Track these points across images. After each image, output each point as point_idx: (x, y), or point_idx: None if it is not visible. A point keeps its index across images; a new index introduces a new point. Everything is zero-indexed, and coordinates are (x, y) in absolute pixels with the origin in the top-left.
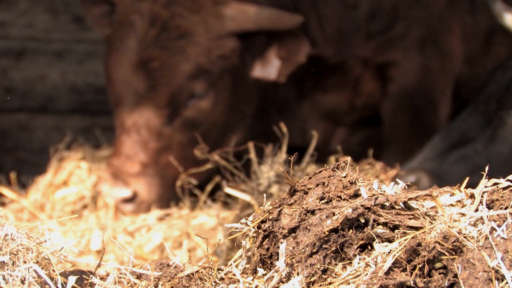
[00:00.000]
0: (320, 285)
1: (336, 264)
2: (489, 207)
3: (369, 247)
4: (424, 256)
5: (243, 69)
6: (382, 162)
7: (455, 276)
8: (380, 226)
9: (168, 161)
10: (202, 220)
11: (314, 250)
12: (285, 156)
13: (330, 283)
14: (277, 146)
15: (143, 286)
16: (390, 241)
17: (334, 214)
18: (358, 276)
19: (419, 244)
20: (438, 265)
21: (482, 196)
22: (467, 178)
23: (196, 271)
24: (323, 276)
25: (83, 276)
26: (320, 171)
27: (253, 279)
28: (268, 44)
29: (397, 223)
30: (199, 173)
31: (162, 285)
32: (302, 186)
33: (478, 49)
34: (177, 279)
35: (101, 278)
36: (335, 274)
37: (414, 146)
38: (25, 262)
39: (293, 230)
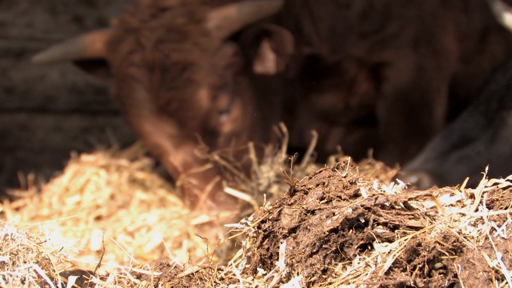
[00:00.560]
0: (320, 285)
1: (336, 264)
2: (489, 207)
3: (369, 247)
4: (424, 256)
5: (250, 67)
6: (382, 162)
7: (455, 276)
8: (380, 226)
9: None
10: (202, 220)
11: (314, 250)
12: (285, 156)
13: (330, 283)
14: (277, 146)
15: (143, 286)
16: (390, 241)
17: (334, 214)
18: (358, 276)
19: (419, 244)
20: (438, 265)
21: (482, 196)
22: (467, 178)
23: (196, 271)
24: (323, 276)
25: (83, 276)
26: (320, 171)
27: (253, 279)
28: (260, 40)
29: (397, 223)
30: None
31: (162, 285)
32: (302, 186)
33: (473, 48)
34: (177, 279)
35: (101, 278)
36: (335, 274)
37: (409, 145)
38: (25, 262)
39: (293, 230)
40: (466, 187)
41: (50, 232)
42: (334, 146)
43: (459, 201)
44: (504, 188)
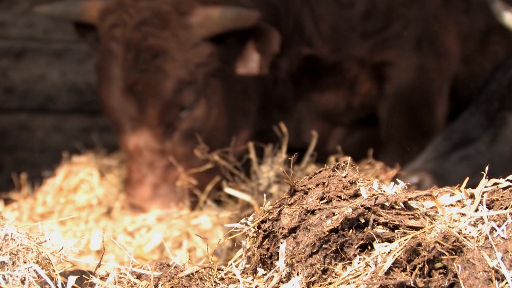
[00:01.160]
0: (320, 285)
1: (336, 264)
2: (489, 207)
3: (369, 247)
4: (424, 256)
5: (230, 70)
6: (382, 162)
7: (455, 276)
8: (380, 226)
9: (178, 174)
10: (202, 220)
11: (314, 250)
12: (285, 156)
13: (330, 283)
14: (277, 146)
15: (143, 286)
16: (390, 241)
17: (334, 214)
18: (358, 276)
19: (419, 244)
20: (438, 265)
21: (482, 196)
22: (467, 178)
23: (196, 271)
24: (323, 276)
25: (83, 276)
26: (320, 171)
27: (253, 279)
28: (245, 41)
29: (397, 223)
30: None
31: (162, 285)
32: (302, 186)
33: (474, 48)
34: (177, 279)
35: (101, 278)
36: (335, 274)
37: (411, 146)
38: (25, 262)
39: (293, 230)
40: (467, 187)
41: (50, 232)
42: (335, 146)
43: (459, 201)
44: (504, 188)
